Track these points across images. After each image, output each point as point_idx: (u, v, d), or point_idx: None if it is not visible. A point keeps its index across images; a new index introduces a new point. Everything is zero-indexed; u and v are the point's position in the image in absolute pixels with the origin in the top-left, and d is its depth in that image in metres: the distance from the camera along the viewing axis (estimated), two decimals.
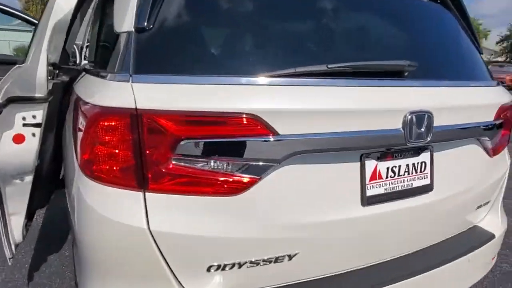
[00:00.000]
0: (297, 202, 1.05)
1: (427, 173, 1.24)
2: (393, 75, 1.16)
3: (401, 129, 1.09)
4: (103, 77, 1.02)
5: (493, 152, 1.41)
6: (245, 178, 0.96)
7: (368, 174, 1.12)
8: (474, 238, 1.44)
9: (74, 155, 1.09)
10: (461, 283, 1.42)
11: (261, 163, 0.96)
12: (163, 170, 0.93)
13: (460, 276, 1.40)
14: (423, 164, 1.23)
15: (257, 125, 0.94)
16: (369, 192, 1.13)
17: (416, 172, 1.22)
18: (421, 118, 1.12)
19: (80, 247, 1.03)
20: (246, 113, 0.93)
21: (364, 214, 1.13)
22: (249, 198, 0.98)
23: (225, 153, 0.95)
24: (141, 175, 0.93)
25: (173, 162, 0.93)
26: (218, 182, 0.95)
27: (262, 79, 0.98)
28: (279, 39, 1.12)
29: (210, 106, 0.93)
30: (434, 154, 1.24)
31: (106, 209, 0.95)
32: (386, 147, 1.13)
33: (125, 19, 1.00)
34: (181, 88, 0.94)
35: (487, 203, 1.48)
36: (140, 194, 0.94)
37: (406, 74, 1.16)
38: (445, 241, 1.38)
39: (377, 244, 1.22)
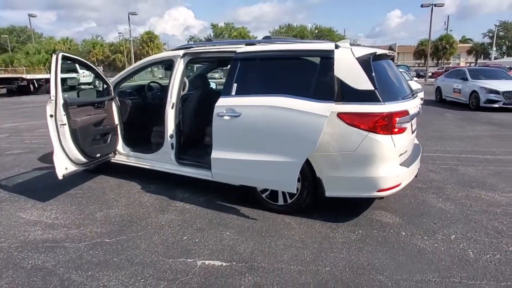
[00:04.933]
0: (406, 135, 3.61)
1: (414, 122, 4.03)
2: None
3: (420, 110, 3.84)
4: (369, 103, 3.25)
5: None
6: (406, 127, 3.47)
7: (412, 123, 3.80)
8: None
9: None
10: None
11: (408, 122, 3.49)
12: (396, 127, 3.31)
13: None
14: (415, 119, 4.01)
15: (407, 113, 3.45)
16: (413, 128, 3.84)
17: (414, 123, 3.99)
18: (419, 106, 3.90)
19: (363, 159, 3.26)
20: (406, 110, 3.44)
21: (412, 136, 3.86)
22: (406, 131, 3.49)
23: (406, 122, 3.44)
24: (391, 130, 3.28)
25: (396, 125, 3.32)
26: (405, 128, 3.43)
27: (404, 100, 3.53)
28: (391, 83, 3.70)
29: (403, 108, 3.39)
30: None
31: (383, 141, 3.25)
32: (416, 115, 3.83)
33: (362, 83, 3.26)
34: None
35: None
36: (390, 136, 3.29)
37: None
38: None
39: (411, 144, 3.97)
